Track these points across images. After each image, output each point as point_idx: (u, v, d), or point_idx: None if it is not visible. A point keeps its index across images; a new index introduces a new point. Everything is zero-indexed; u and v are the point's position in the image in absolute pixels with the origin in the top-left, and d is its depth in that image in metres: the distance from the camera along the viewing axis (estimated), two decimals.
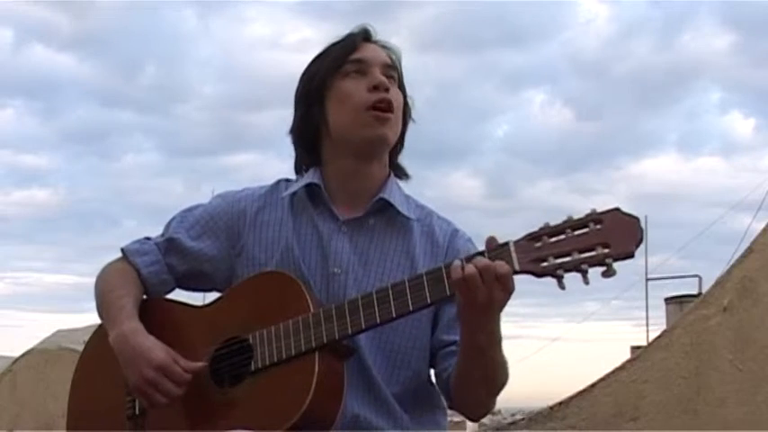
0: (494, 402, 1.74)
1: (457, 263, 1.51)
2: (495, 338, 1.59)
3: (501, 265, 1.49)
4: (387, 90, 1.77)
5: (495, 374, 1.67)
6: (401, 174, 1.89)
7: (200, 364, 1.69)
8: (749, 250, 2.25)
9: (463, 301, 1.52)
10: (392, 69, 1.83)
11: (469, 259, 1.52)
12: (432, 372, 1.82)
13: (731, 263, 2.32)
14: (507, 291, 1.50)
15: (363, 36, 1.85)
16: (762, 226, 2.28)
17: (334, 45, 1.85)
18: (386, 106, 1.76)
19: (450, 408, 1.80)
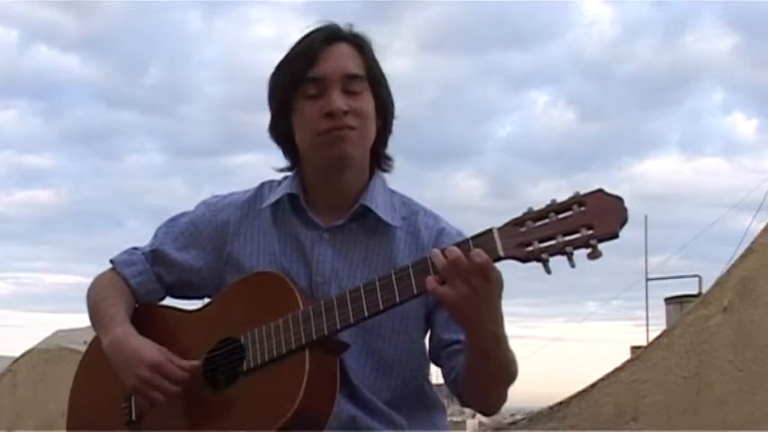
0: (506, 396, 1.72)
1: (429, 278, 1.51)
2: (499, 339, 1.58)
3: (477, 254, 1.48)
4: (346, 113, 1.70)
5: (504, 372, 1.66)
6: (386, 165, 1.83)
7: (194, 362, 1.69)
8: (749, 250, 2.25)
9: (446, 300, 1.51)
10: (354, 79, 1.74)
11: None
12: (439, 371, 1.80)
13: (731, 263, 2.32)
14: (488, 279, 1.48)
15: (324, 39, 1.76)
16: (762, 226, 2.28)
17: (297, 45, 1.78)
18: (341, 131, 1.70)
19: (463, 405, 1.80)
